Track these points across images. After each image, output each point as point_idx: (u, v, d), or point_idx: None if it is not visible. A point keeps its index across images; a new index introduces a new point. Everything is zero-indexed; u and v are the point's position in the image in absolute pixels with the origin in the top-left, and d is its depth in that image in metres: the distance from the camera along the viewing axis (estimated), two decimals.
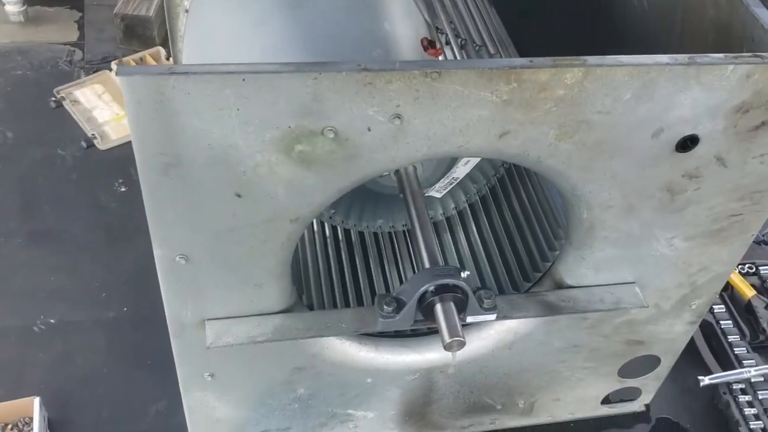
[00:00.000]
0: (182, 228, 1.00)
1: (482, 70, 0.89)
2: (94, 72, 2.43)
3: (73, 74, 2.43)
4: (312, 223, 1.54)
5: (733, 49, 1.11)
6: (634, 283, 1.26)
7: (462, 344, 1.07)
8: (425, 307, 1.11)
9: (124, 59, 2.43)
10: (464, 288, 1.11)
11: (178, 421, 1.39)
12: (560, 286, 1.27)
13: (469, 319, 1.14)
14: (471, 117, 0.94)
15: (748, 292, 1.88)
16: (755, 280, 1.95)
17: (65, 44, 2.56)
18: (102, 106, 2.31)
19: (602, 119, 0.97)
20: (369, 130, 0.92)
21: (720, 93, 0.97)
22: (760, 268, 1.97)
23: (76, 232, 1.94)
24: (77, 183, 2.07)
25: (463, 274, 1.12)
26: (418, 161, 1.01)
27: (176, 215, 0.98)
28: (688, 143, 1.03)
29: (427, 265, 1.16)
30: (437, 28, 1.46)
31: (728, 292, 1.90)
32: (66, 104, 2.30)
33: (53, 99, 2.31)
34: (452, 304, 1.10)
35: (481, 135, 0.97)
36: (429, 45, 1.15)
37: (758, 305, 1.85)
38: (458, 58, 1.38)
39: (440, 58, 1.27)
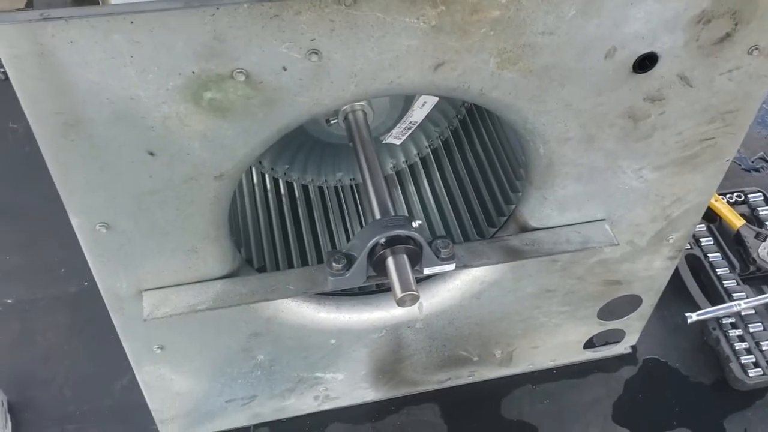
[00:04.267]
0: (96, 194, 0.92)
1: None
2: None
3: None
4: (264, 180, 1.45)
5: None
6: (604, 220, 1.18)
7: (415, 298, 0.99)
8: (376, 262, 1.03)
9: None
10: (417, 238, 1.03)
11: (144, 396, 1.33)
12: (525, 229, 1.18)
13: (426, 271, 1.07)
14: (399, 48, 0.84)
15: (736, 222, 1.79)
16: (744, 209, 1.86)
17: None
18: None
19: (547, 41, 0.88)
20: (285, 69, 0.83)
21: (676, 2, 0.87)
22: (749, 195, 1.88)
23: (32, 207, 1.85)
24: (31, 156, 1.95)
25: (414, 224, 1.04)
26: (349, 102, 0.92)
27: (87, 180, 0.90)
28: (646, 62, 0.93)
29: (378, 217, 1.08)
30: None
31: (716, 223, 1.82)
32: None
33: (2, 70, 2.19)
34: (405, 256, 1.02)
35: (413, 68, 0.87)
36: None
37: (748, 235, 1.76)
38: None
39: None
